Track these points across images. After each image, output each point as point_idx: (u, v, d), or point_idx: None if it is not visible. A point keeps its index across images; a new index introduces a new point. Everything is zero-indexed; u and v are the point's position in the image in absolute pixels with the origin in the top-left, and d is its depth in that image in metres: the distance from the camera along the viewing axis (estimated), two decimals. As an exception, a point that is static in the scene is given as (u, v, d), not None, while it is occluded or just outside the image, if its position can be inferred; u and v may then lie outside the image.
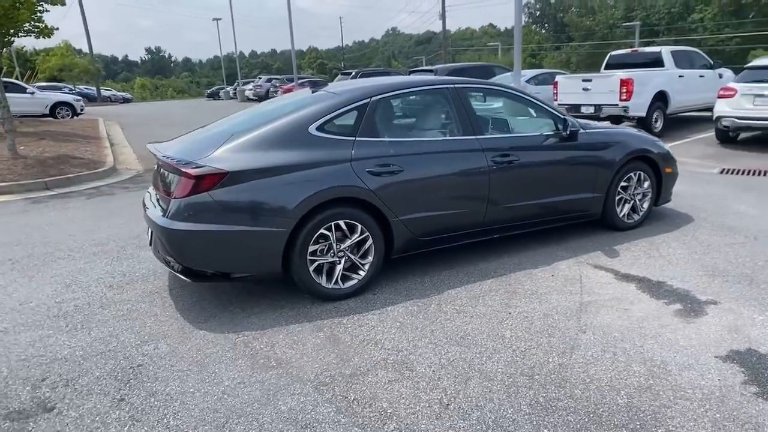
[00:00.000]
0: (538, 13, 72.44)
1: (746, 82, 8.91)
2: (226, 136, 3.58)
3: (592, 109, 10.67)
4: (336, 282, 3.58)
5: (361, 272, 3.66)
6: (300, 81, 26.59)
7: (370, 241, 3.65)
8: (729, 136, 9.50)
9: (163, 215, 3.38)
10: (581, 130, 4.49)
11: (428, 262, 4.16)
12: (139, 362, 2.88)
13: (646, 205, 4.95)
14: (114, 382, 2.70)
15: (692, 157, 8.53)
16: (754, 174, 7.20)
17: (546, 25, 72.37)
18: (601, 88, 10.44)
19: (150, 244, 3.74)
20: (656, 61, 11.01)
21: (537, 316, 3.30)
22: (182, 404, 2.51)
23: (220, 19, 48.15)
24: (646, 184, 4.91)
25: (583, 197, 4.56)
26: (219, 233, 3.28)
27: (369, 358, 2.88)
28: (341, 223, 3.53)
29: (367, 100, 3.77)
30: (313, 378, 2.69)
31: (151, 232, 3.61)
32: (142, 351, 2.99)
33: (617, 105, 10.23)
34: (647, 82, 10.36)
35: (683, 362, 2.73)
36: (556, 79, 11.54)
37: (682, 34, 56.06)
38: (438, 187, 3.88)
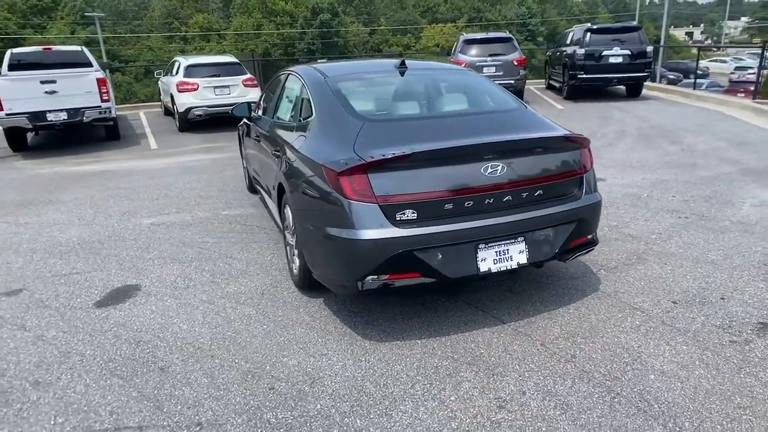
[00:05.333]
0: None
1: (202, 76, 10.83)
2: (522, 113, 3.41)
3: (65, 116, 9.29)
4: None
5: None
6: None
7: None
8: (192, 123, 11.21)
9: (584, 193, 3.11)
10: None
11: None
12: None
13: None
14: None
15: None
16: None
17: None
18: (72, 89, 9.23)
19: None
20: (84, 63, 10.52)
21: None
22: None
23: None
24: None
25: None
26: None
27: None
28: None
29: None
30: None
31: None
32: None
33: (99, 107, 9.53)
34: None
35: None
36: (-8, 83, 8.77)
37: None
38: None
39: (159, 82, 13.59)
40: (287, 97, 4.19)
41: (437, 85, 3.82)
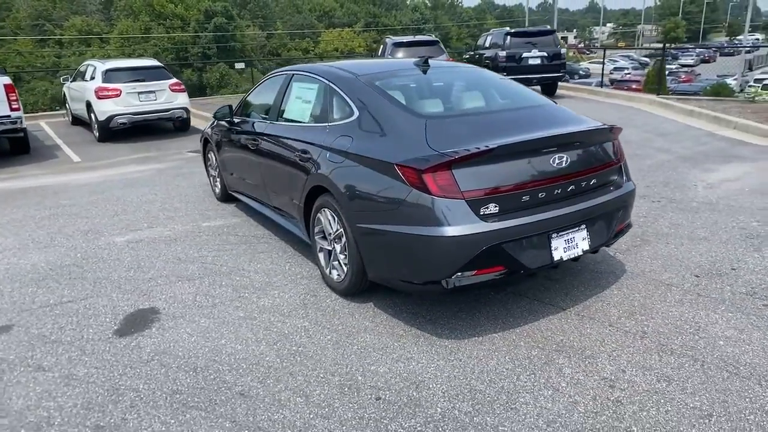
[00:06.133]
0: None
1: (125, 81, 9.90)
2: (557, 107, 3.55)
3: (-34, 127, 8.05)
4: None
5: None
6: None
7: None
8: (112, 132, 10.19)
9: (624, 181, 3.35)
10: None
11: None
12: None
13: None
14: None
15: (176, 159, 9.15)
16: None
17: None
18: (-26, 97, 8.02)
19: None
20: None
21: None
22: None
23: None
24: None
25: None
26: None
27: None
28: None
29: None
30: None
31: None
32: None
33: (9, 117, 8.36)
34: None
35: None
36: None
37: None
38: None
39: (65, 89, 12.25)
40: (299, 97, 4.00)
41: (465, 81, 3.87)
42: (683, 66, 26.94)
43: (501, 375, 2.61)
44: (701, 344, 2.79)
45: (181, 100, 10.57)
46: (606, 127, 3.22)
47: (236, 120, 4.91)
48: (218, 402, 2.51)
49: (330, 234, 3.43)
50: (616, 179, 3.29)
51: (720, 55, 42.94)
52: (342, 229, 3.24)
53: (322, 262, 3.62)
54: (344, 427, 2.30)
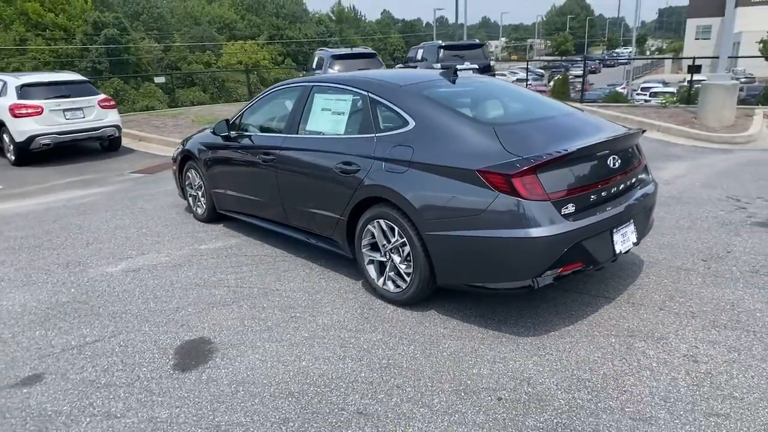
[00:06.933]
0: None
1: (46, 98, 8.92)
2: (587, 114, 3.77)
3: None
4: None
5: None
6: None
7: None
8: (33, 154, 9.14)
9: (650, 181, 3.65)
10: None
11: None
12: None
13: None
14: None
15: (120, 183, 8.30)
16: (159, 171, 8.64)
17: None
18: None
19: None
20: None
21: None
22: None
23: None
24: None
25: None
26: None
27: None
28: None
29: None
30: None
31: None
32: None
33: None
34: None
35: None
36: None
37: None
38: None
39: (-39, 108, 10.77)
40: (327, 109, 3.93)
41: (496, 91, 4.03)
42: (576, 76, 29.72)
43: (597, 363, 2.78)
44: (744, 318, 3.17)
45: (112, 117, 9.79)
46: (639, 130, 3.55)
47: (233, 134, 4.70)
48: (340, 424, 2.41)
49: (385, 245, 3.42)
50: (646, 177, 3.63)
51: (603, 67, 48.03)
52: (405, 239, 3.25)
53: (373, 274, 3.59)
54: (483, 430, 2.33)
